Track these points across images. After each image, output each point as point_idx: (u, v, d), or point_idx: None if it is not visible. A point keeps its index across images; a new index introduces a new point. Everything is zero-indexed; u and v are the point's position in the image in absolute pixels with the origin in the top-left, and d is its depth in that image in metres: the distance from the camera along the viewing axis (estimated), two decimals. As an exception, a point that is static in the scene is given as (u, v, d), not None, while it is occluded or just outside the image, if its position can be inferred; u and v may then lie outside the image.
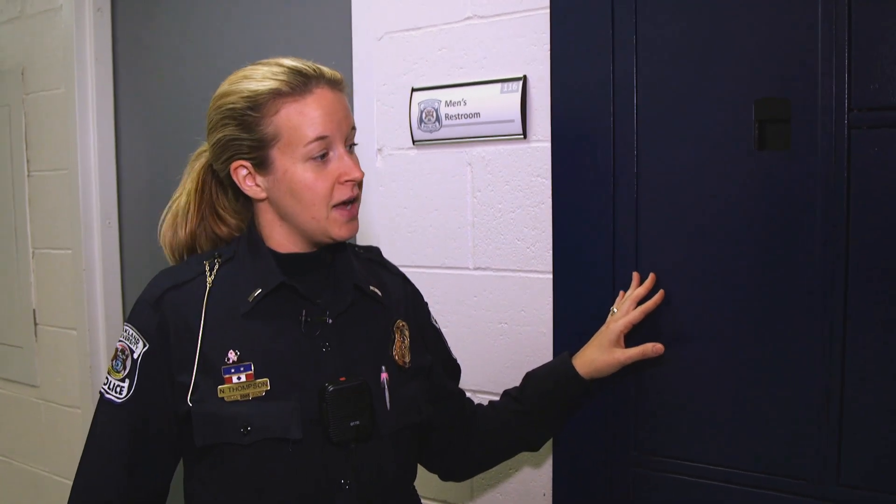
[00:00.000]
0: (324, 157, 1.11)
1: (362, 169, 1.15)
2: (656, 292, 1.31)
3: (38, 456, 2.61)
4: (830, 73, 1.17)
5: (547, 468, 1.50)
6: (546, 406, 1.34)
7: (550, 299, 1.46)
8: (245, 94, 1.10)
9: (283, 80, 1.10)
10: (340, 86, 1.15)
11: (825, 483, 1.20)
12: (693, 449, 1.32)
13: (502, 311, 1.55)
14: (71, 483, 1.16)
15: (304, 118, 1.09)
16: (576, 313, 1.42)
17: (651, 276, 1.32)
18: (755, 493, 1.26)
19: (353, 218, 1.15)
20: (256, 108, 1.10)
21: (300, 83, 1.10)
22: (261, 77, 1.11)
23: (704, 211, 1.28)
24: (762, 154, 1.23)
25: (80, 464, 1.17)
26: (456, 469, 1.42)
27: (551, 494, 1.49)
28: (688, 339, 1.30)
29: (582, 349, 1.34)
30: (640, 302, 1.31)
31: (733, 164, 1.25)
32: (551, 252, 1.45)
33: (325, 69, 1.14)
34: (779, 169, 1.22)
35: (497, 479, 1.59)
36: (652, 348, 1.29)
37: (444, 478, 1.43)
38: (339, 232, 1.14)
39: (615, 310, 1.33)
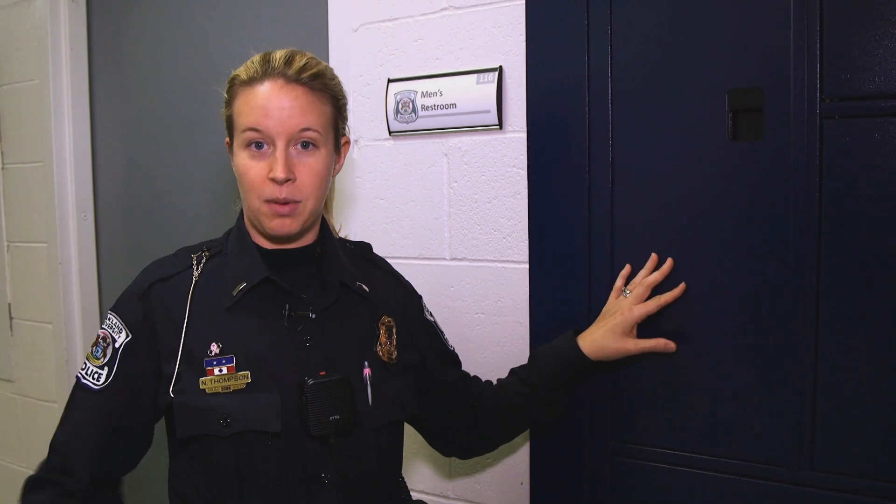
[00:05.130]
0: (259, 147, 1.12)
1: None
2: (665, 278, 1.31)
3: (15, 451, 2.59)
4: (802, 62, 1.18)
5: (525, 457, 1.51)
6: (553, 387, 1.34)
7: (527, 289, 1.47)
8: (229, 78, 1.18)
9: (247, 68, 1.15)
10: (303, 81, 1.13)
11: (801, 468, 1.22)
12: (671, 438, 1.33)
13: (479, 301, 1.55)
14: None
15: (245, 106, 1.13)
16: (552, 303, 1.43)
17: (669, 262, 1.31)
18: (733, 479, 1.28)
19: (284, 216, 1.13)
20: (229, 90, 1.18)
21: (257, 73, 1.13)
22: (242, 64, 1.17)
23: (679, 201, 1.29)
24: (736, 145, 1.24)
25: (52, 441, 1.16)
26: (462, 447, 1.43)
27: (529, 483, 1.50)
28: (663, 329, 1.31)
29: (590, 329, 1.33)
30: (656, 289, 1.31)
31: (707, 155, 1.26)
32: (527, 242, 1.46)
33: (296, 63, 1.13)
34: (752, 159, 1.23)
35: (475, 469, 1.59)
36: (664, 345, 1.29)
37: (446, 454, 1.46)
38: (268, 225, 1.14)
39: (628, 291, 1.32)
